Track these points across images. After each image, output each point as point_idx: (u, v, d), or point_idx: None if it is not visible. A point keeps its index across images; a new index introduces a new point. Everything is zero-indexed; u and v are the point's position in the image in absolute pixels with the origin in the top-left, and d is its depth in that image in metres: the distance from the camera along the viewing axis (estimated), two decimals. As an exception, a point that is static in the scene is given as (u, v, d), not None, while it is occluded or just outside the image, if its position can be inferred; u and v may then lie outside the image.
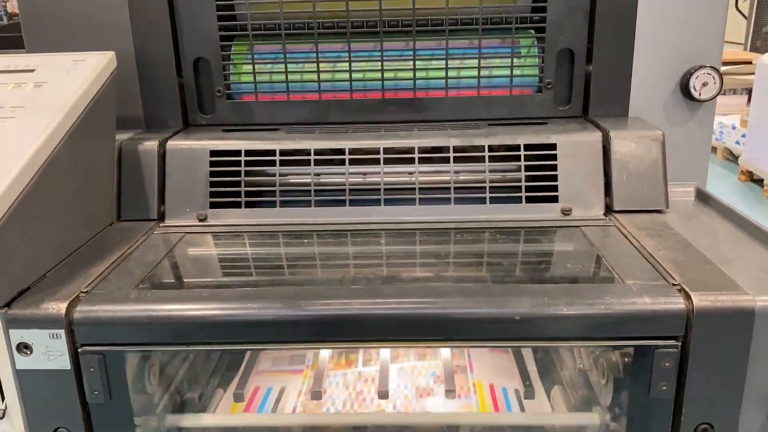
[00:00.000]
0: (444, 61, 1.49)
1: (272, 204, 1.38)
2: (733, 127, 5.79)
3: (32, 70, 1.34)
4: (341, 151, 1.39)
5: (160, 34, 1.47)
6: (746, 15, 8.29)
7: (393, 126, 1.50)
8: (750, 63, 6.83)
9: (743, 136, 5.54)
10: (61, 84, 1.28)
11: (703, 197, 1.46)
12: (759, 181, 5.28)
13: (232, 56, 1.52)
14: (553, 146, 1.37)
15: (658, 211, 1.34)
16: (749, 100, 6.09)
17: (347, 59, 1.50)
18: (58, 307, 0.98)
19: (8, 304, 1.00)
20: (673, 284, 1.00)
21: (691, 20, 1.45)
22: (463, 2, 1.46)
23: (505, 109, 1.52)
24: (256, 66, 1.51)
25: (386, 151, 1.39)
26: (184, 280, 1.17)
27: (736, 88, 6.64)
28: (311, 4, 1.45)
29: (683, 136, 1.51)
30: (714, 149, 6.12)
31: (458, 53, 1.51)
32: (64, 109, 1.21)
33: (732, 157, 5.95)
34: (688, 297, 0.96)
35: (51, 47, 1.47)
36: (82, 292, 1.02)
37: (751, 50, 7.99)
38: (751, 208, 4.90)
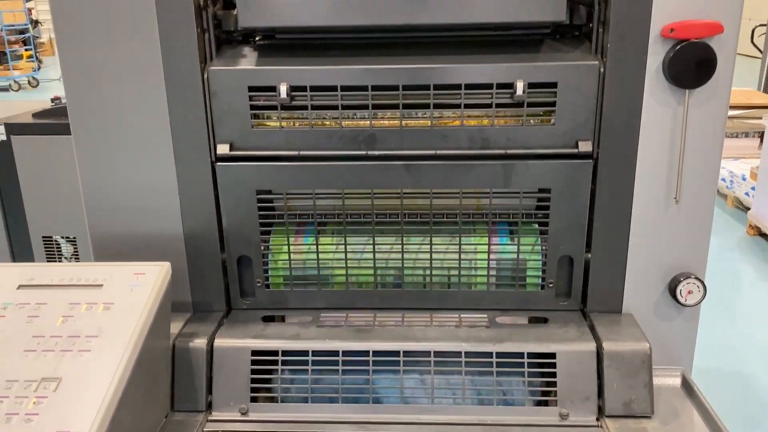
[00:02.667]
0: (457, 255, 1.68)
1: (305, 399, 1.58)
2: (743, 179, 5.91)
3: (100, 285, 1.54)
4: (366, 353, 1.59)
5: (210, 238, 1.67)
6: (762, 49, 8.36)
7: (411, 318, 1.69)
8: (764, 108, 6.94)
9: (753, 188, 5.67)
10: (127, 305, 1.48)
11: (687, 387, 1.65)
12: None
13: (270, 248, 1.72)
14: (553, 355, 1.55)
15: (646, 417, 1.53)
16: (761, 143, 6.20)
17: (372, 251, 1.69)
18: None
19: None
20: None
21: (679, 232, 1.62)
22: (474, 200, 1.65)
23: (511, 303, 1.71)
24: (292, 256, 1.71)
25: (405, 354, 1.58)
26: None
27: (748, 131, 6.75)
28: (341, 200, 1.65)
29: (671, 329, 1.69)
30: (724, 197, 6.25)
31: (470, 249, 1.70)
32: (134, 337, 1.41)
33: (742, 206, 6.07)
34: None
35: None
36: None
37: (764, 91, 8.06)
38: (757, 267, 5.04)
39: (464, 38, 1.63)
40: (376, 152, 1.60)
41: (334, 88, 1.57)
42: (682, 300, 1.64)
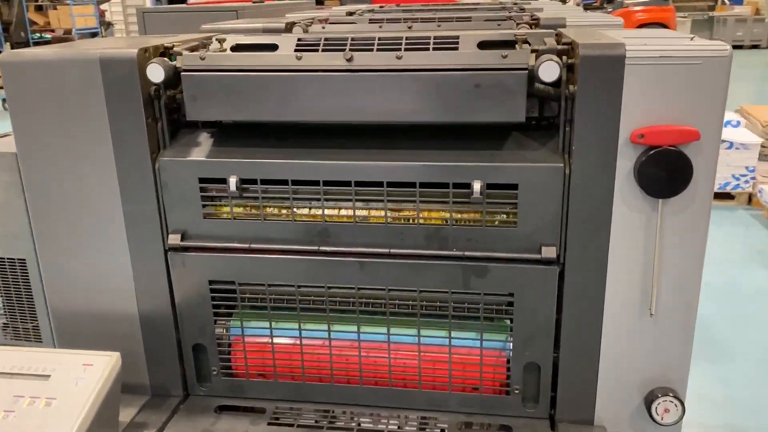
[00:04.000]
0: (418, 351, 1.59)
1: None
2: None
3: (47, 377, 1.53)
4: (312, 457, 1.52)
5: (165, 324, 1.64)
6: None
7: (366, 421, 1.61)
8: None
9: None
10: (71, 401, 1.45)
11: None
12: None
13: (227, 337, 1.67)
14: (507, 476, 1.45)
15: None
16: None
17: (327, 344, 1.62)
18: None
19: None
20: None
21: (656, 345, 1.48)
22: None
23: (476, 406, 1.61)
24: (247, 345, 1.66)
25: (353, 462, 1.51)
26: None
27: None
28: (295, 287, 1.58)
29: (647, 448, 1.55)
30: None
31: (431, 344, 1.60)
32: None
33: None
34: None
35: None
36: None
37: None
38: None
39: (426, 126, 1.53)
40: (329, 248, 1.53)
41: (285, 182, 1.50)
42: (657, 418, 1.50)
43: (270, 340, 1.64)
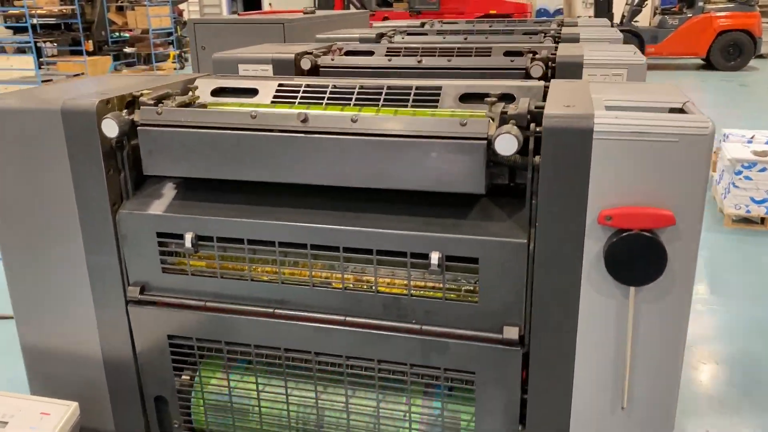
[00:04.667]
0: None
1: None
2: None
3: (5, 423, 1.53)
4: None
5: (128, 375, 1.62)
6: None
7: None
8: None
9: None
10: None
11: None
12: None
13: (188, 392, 1.63)
14: None
15: None
16: None
17: (286, 404, 1.56)
18: None
19: None
20: None
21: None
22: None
23: (437, 485, 1.51)
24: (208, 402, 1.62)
25: None
26: None
27: None
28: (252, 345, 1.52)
29: None
30: None
31: (397, 412, 1.52)
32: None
33: None
34: None
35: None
36: None
37: None
38: None
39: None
40: (284, 311, 1.46)
41: (240, 241, 1.45)
42: None
43: (229, 398, 1.59)
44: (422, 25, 3.89)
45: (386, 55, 2.23)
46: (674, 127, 1.16)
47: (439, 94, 1.51)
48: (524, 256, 1.29)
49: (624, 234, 1.19)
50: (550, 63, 1.98)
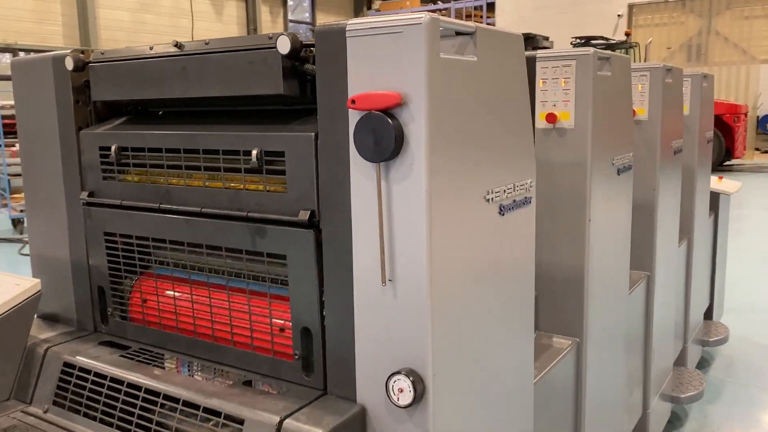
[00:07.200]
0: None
1: None
2: None
3: (-11, 287, 2.05)
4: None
5: (84, 267, 2.08)
6: None
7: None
8: None
9: None
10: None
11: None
12: None
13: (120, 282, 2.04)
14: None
15: None
16: None
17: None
18: None
19: None
20: None
21: (399, 319, 1.46)
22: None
23: (266, 368, 1.72)
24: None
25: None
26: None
27: None
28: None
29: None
30: None
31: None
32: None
33: None
34: None
35: None
36: None
37: None
38: None
39: (237, 111, 1.81)
40: (167, 206, 1.83)
41: (143, 150, 1.87)
42: (394, 399, 1.46)
43: (140, 289, 1.97)
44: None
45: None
46: (401, 22, 1.38)
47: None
48: (312, 146, 1.54)
49: (361, 116, 1.41)
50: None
